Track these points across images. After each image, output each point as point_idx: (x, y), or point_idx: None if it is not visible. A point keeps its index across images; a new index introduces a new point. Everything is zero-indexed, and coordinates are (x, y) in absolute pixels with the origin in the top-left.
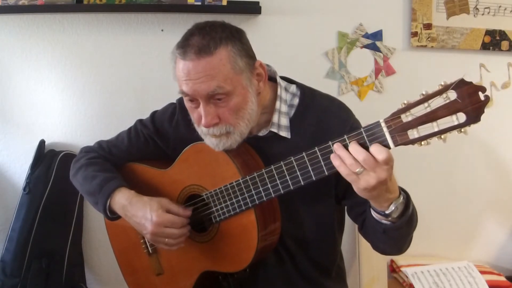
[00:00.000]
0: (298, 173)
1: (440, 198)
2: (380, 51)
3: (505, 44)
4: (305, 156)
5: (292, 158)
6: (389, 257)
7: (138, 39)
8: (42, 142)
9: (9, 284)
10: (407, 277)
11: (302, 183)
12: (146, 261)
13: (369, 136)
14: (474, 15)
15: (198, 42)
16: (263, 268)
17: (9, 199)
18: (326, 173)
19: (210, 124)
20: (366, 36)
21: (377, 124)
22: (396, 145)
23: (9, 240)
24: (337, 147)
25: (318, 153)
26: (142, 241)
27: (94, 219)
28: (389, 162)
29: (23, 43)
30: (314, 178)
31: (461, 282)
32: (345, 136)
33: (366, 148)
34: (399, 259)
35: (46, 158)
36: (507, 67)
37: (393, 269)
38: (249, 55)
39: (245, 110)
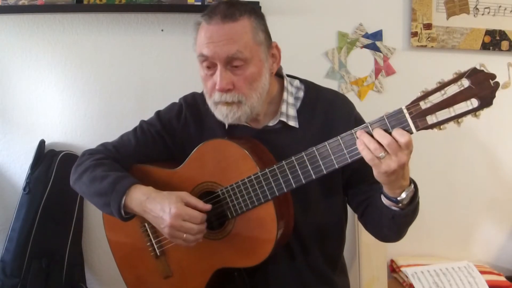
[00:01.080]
0: (320, 162)
1: (440, 198)
2: (380, 51)
3: (505, 44)
4: (327, 145)
5: (314, 148)
6: (389, 257)
7: (138, 39)
8: (42, 142)
9: (9, 284)
10: (407, 277)
11: (325, 171)
12: (153, 264)
13: (392, 122)
14: (474, 15)
15: (224, 10)
16: (275, 263)
17: (9, 199)
18: (349, 160)
19: (224, 89)
20: (366, 36)
21: (400, 110)
22: (417, 129)
23: (9, 240)
24: (360, 133)
25: (341, 141)
26: (148, 244)
27: (94, 219)
28: (409, 145)
29: (23, 43)
30: (337, 166)
31: (461, 282)
32: (368, 123)
33: (389, 134)
34: (399, 259)
35: (46, 158)
36: (507, 67)
37: (393, 269)
38: (268, 33)
39: (259, 83)
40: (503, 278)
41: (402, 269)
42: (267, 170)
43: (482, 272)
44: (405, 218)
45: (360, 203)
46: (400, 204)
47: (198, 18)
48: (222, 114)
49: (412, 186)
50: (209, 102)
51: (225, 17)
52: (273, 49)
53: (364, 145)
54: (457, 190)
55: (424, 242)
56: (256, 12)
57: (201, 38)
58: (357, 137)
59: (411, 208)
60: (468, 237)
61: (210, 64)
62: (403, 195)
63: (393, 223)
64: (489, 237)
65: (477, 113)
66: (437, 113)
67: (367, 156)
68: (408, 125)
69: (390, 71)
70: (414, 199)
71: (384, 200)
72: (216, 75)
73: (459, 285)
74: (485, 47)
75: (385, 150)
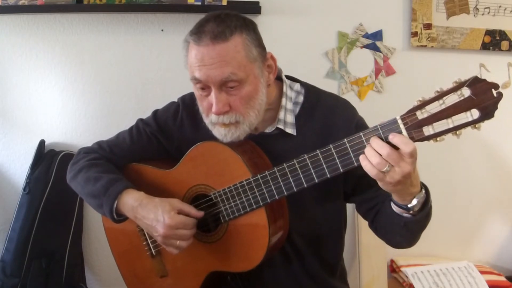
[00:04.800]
0: (312, 170)
1: (440, 198)
2: (380, 51)
3: (505, 44)
4: (319, 153)
5: (306, 156)
6: (389, 257)
7: (138, 39)
8: (42, 142)
9: (9, 284)
10: (407, 277)
11: (316, 180)
12: (149, 263)
13: (386, 133)
14: (474, 15)
15: (213, 29)
16: (270, 268)
17: (9, 199)
18: (341, 170)
19: (221, 112)
20: (366, 36)
21: (394, 121)
22: (413, 141)
23: (9, 240)
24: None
25: (333, 151)
26: (144, 243)
27: (94, 219)
28: (414, 154)
29: (23, 43)
30: (329, 176)
31: (461, 282)
32: (361, 133)
33: (388, 142)
34: (399, 259)
35: (46, 158)
36: (507, 67)
37: (393, 269)
38: (262, 45)
39: (256, 100)
40: (503, 278)
41: (402, 269)
42: (259, 176)
43: (482, 272)
44: (418, 224)
45: (369, 210)
46: (412, 211)
47: (187, 37)
48: (221, 134)
49: (423, 191)
50: (206, 121)
51: (215, 38)
52: (268, 60)
53: (367, 160)
54: (457, 190)
55: (424, 242)
56: (247, 26)
57: (191, 59)
58: (349, 148)
59: (423, 214)
60: (468, 237)
61: (204, 86)
62: (414, 201)
63: (405, 230)
64: (489, 237)
65: (477, 125)
66: (435, 124)
67: (370, 172)
68: None
69: (390, 71)
70: (426, 205)
71: (395, 207)
72: (211, 96)
73: (459, 285)
74: (485, 47)
75: (386, 161)
